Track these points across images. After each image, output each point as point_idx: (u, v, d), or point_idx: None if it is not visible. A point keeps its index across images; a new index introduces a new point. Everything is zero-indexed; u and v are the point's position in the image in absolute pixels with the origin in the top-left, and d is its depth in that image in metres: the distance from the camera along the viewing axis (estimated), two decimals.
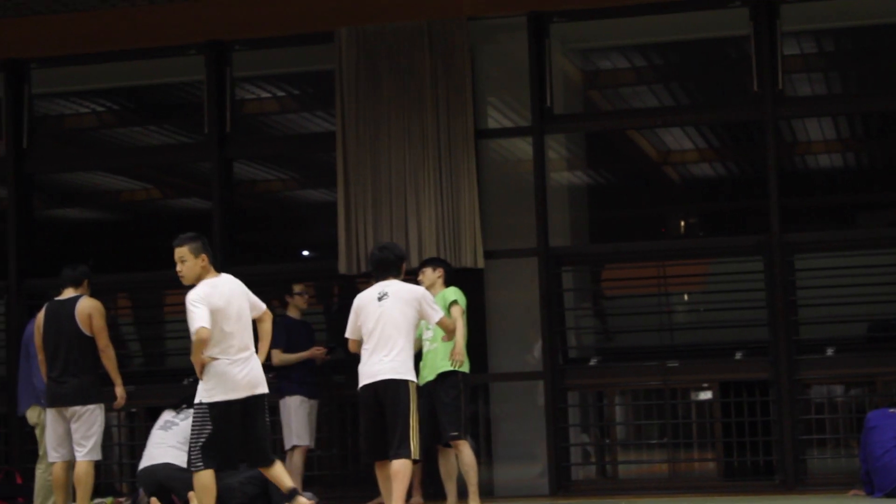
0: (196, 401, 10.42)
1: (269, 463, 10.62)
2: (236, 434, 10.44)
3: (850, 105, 16.54)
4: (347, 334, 11.19)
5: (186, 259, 10.48)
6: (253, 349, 10.59)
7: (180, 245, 10.56)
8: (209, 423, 10.32)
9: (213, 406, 10.31)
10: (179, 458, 12.61)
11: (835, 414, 15.17)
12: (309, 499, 13.21)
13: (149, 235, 19.82)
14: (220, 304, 10.36)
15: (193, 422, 10.45)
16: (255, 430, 10.48)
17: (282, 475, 10.64)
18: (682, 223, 20.10)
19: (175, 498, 12.60)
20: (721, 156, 18.94)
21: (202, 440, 10.34)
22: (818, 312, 14.70)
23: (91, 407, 12.24)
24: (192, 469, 10.42)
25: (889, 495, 12.22)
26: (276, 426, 14.13)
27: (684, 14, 14.77)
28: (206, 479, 10.34)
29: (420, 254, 13.90)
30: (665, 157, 18.69)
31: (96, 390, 12.32)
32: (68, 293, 12.54)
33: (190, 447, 10.49)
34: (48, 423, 12.45)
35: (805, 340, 14.39)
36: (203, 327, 10.16)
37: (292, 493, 10.51)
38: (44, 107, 16.60)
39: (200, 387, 10.39)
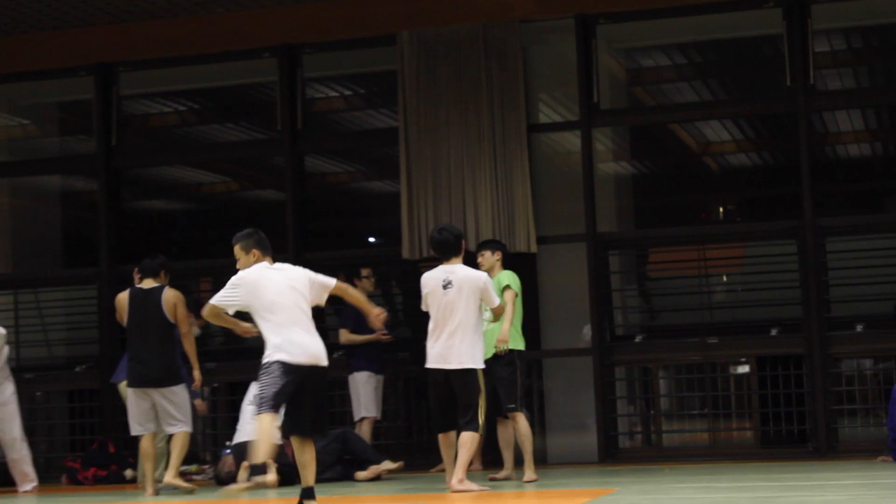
0: (265, 360, 9.72)
1: (319, 435, 10.14)
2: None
3: (878, 98, 16.49)
4: (423, 308, 11.28)
5: (239, 257, 10.27)
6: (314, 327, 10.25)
7: (234, 244, 10.39)
8: (279, 377, 9.59)
9: (282, 363, 9.91)
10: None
11: (864, 386, 15.16)
12: (394, 461, 13.33)
13: (227, 224, 19.94)
14: (258, 278, 9.89)
15: (262, 378, 9.78)
16: (314, 401, 9.87)
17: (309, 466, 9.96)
18: (721, 209, 20.10)
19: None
20: (756, 146, 18.94)
21: (273, 389, 9.63)
22: (848, 291, 14.66)
23: (175, 388, 12.39)
24: (258, 413, 9.67)
25: None
26: (346, 399, 14.26)
27: (721, 14, 14.72)
28: (266, 422, 9.64)
29: (478, 240, 13.90)
30: (704, 148, 18.70)
31: (179, 371, 12.46)
32: (148, 283, 12.64)
33: (258, 396, 9.84)
34: (132, 401, 12.55)
35: (836, 317, 14.36)
36: (211, 303, 10.04)
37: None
38: (130, 107, 16.73)
39: (270, 347, 9.74)
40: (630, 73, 16.62)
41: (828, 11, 14.51)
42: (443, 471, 11.52)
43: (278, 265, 10.18)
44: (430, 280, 11.13)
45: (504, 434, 12.32)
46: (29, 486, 13.64)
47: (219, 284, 16.98)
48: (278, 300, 9.76)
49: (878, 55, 16.73)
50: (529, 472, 11.88)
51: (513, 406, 11.96)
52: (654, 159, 18.32)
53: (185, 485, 12.47)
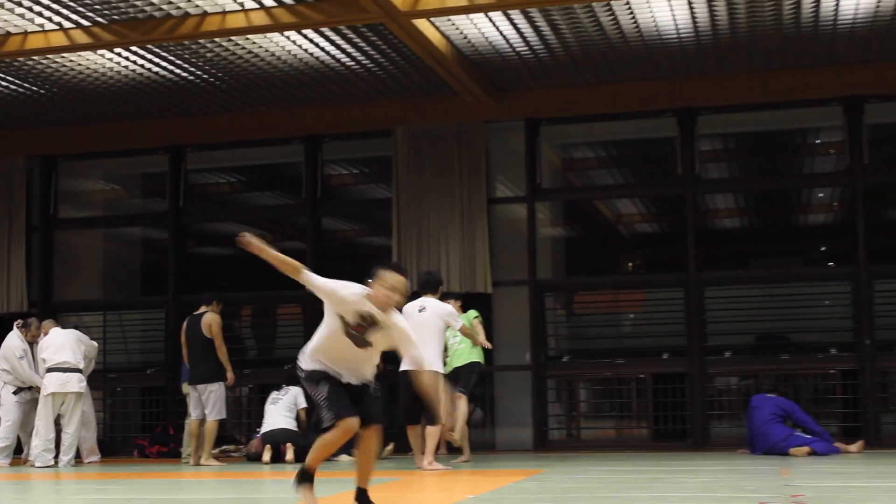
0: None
1: None
2: None
3: (746, 185, 16.64)
4: None
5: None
6: None
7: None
8: None
9: None
10: (288, 423, 12.86)
11: (730, 397, 15.20)
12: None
13: (263, 267, 19.93)
14: None
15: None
16: None
17: None
18: (630, 264, 20.18)
19: (282, 447, 12.73)
20: (656, 218, 19.04)
21: None
22: (720, 327, 14.67)
23: (212, 385, 12.47)
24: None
25: (765, 453, 12.20)
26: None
27: (631, 121, 14.82)
28: None
29: (449, 281, 13.91)
30: (618, 218, 18.78)
31: (216, 373, 12.55)
32: (202, 309, 12.81)
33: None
34: (190, 394, 12.74)
35: (710, 346, 14.37)
36: None
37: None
38: (195, 178, 16.73)
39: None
40: (564, 161, 16.70)
41: (710, 121, 14.61)
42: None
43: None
44: (410, 307, 11.15)
45: (462, 430, 12.30)
46: (94, 458, 13.64)
47: (257, 311, 17.17)
48: None
49: (746, 154, 16.86)
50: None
51: (463, 390, 12.02)
52: (581, 226, 18.36)
53: (215, 462, 12.53)
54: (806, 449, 12.06)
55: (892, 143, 15.49)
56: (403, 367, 11.00)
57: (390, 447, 13.29)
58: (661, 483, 8.65)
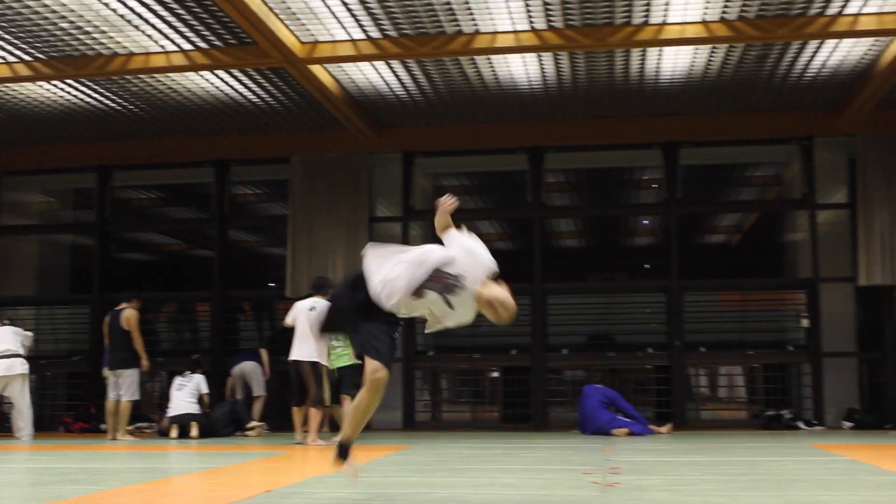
0: None
1: None
2: None
3: (583, 212, 16.87)
4: (287, 322, 11.11)
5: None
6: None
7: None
8: None
9: None
10: (192, 407, 12.57)
11: (565, 387, 15.34)
12: (265, 428, 13.10)
13: (179, 271, 19.64)
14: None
15: None
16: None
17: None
18: None
19: (187, 427, 12.46)
20: (510, 238, 19.19)
21: None
22: (560, 329, 14.82)
23: (128, 370, 12.18)
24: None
25: (593, 433, 12.32)
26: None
27: (490, 156, 14.89)
28: None
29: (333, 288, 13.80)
30: (478, 237, 18.84)
31: (131, 361, 12.26)
32: (122, 305, 12.52)
33: None
34: (109, 378, 12.43)
35: (551, 344, 14.47)
36: None
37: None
38: (119, 193, 16.31)
39: None
40: (434, 188, 16.64)
41: (555, 158, 14.75)
42: (305, 432, 11.34)
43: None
44: (301, 304, 11.05)
45: (345, 410, 12.17)
46: (24, 434, 13.22)
47: (171, 308, 16.82)
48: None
49: (584, 186, 17.10)
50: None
51: (347, 391, 11.83)
52: None
53: (129, 437, 12.23)
54: (626, 430, 12.23)
55: (701, 182, 15.89)
56: (292, 356, 10.88)
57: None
58: (506, 457, 8.67)
